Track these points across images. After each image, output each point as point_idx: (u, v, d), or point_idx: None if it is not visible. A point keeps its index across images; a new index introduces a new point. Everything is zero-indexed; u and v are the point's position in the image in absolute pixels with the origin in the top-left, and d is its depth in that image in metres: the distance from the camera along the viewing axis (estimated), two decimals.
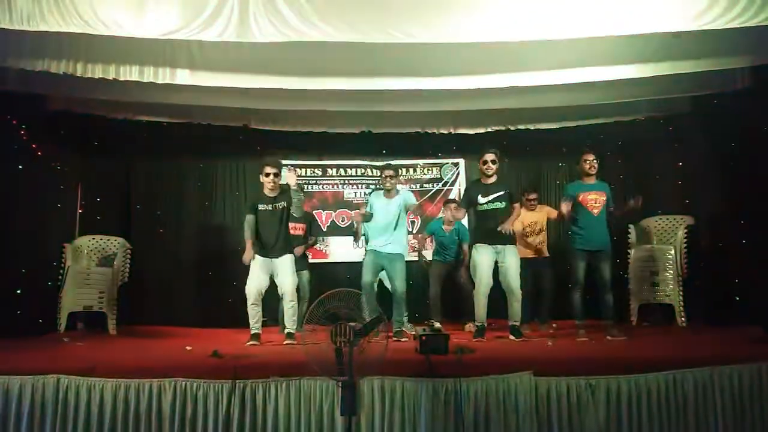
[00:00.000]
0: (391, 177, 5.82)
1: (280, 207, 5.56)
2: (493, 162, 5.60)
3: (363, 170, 8.25)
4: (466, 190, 6.01)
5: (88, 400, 3.77)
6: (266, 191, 5.57)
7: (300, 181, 8.03)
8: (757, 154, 5.77)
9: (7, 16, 4.43)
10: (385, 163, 6.18)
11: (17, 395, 3.77)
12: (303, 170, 8.14)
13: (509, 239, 5.55)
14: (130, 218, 7.63)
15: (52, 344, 5.46)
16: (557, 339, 5.54)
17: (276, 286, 5.56)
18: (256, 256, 5.48)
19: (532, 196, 6.54)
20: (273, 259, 5.49)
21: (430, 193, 8.21)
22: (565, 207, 5.60)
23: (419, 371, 3.86)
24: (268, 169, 5.53)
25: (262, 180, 5.58)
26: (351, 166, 8.24)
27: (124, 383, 3.80)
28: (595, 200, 5.63)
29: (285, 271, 5.50)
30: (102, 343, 5.67)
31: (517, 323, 5.57)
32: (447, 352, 4.25)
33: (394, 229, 5.83)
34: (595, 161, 5.70)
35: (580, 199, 5.63)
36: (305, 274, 6.57)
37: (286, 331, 5.54)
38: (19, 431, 3.74)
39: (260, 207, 5.55)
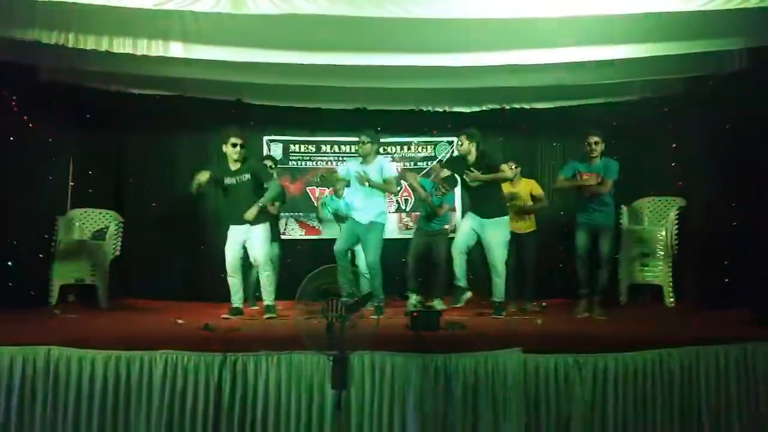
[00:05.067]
0: (363, 144, 5.83)
1: (245, 179, 5.49)
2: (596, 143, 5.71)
3: (356, 147, 8.19)
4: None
5: (79, 372, 3.80)
6: (230, 163, 5.51)
7: (293, 157, 8.06)
8: (752, 136, 5.77)
9: None
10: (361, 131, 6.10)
11: (8, 366, 3.80)
12: (296, 146, 8.11)
13: (498, 212, 5.62)
14: (122, 191, 7.59)
15: (44, 316, 5.47)
16: (546, 316, 5.60)
17: None
18: (231, 226, 5.46)
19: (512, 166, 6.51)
20: (247, 227, 5.44)
21: (424, 171, 8.19)
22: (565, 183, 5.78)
23: (410, 347, 3.90)
24: (234, 140, 5.44)
25: (226, 151, 5.49)
26: (344, 143, 8.18)
27: (114, 355, 3.83)
28: (585, 181, 5.70)
29: (257, 238, 5.44)
30: (93, 316, 5.69)
31: (498, 300, 5.63)
32: (438, 329, 4.29)
33: (371, 196, 5.78)
34: (596, 144, 5.71)
35: (576, 177, 5.76)
36: (275, 246, 6.54)
37: (264, 303, 5.52)
38: (10, 402, 3.77)
39: (227, 181, 5.50)
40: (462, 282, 5.70)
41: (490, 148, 6.59)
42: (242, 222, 5.42)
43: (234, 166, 5.51)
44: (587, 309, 5.68)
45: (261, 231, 5.49)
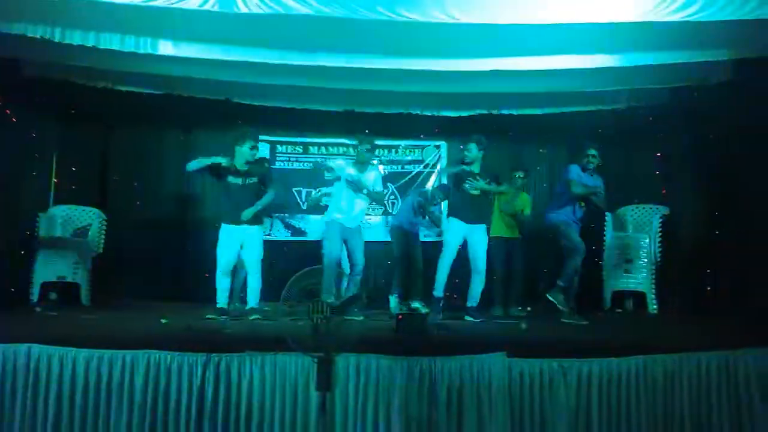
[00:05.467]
0: (363, 151, 5.84)
1: (251, 181, 5.51)
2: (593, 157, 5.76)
3: (344, 149, 8.18)
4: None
5: (60, 370, 3.73)
6: (240, 164, 5.50)
7: (280, 158, 8.02)
8: (735, 146, 5.85)
9: None
10: (360, 137, 6.12)
11: None
12: (284, 147, 8.08)
13: (485, 217, 5.74)
14: (106, 189, 7.52)
15: (25, 314, 5.39)
16: (530, 321, 5.62)
17: None
18: (223, 225, 5.45)
19: (520, 174, 6.64)
20: (244, 228, 5.43)
21: (410, 175, 8.20)
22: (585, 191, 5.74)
23: (395, 349, 3.89)
24: (252, 142, 5.50)
25: (240, 151, 5.48)
26: (332, 144, 8.18)
27: (96, 354, 3.76)
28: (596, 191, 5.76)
29: (253, 242, 5.46)
30: (75, 314, 5.62)
31: (475, 305, 5.70)
32: (423, 331, 4.29)
33: (358, 201, 5.80)
34: (593, 157, 5.76)
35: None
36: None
37: (249, 306, 5.51)
38: None
39: (231, 180, 5.48)
40: (441, 293, 5.77)
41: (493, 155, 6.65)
42: (238, 222, 5.41)
43: (243, 167, 5.50)
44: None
45: (257, 233, 5.51)
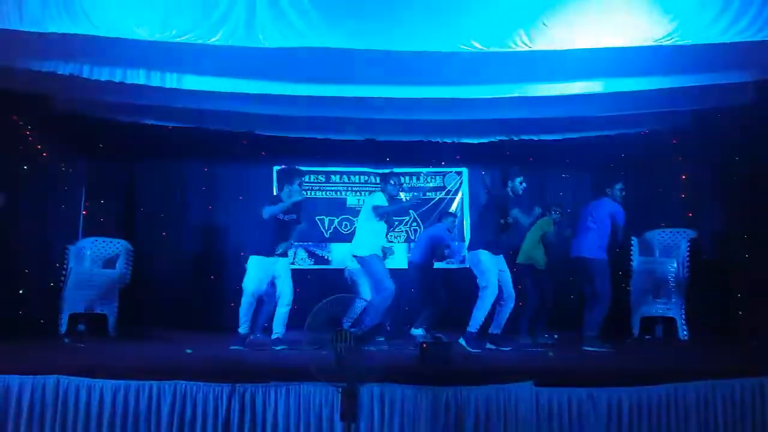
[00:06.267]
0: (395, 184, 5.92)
1: (292, 219, 5.64)
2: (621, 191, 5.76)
3: (366, 177, 8.24)
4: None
5: (88, 401, 3.78)
6: (287, 200, 5.57)
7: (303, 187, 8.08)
8: (760, 168, 5.77)
9: (17, 17, 4.45)
10: (390, 170, 6.19)
11: (17, 395, 3.77)
12: (306, 176, 8.14)
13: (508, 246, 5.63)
14: (133, 221, 7.64)
15: (53, 345, 5.46)
16: (557, 349, 5.54)
17: None
18: (253, 257, 5.51)
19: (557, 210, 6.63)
20: (273, 260, 5.51)
21: (432, 202, 8.20)
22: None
23: (420, 379, 3.86)
24: (299, 179, 5.65)
25: (291, 188, 5.60)
26: (354, 173, 8.24)
27: (123, 384, 3.80)
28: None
29: (286, 273, 5.57)
30: (102, 345, 5.67)
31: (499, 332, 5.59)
32: (448, 361, 4.25)
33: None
34: (622, 191, 5.74)
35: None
36: None
37: (274, 336, 5.52)
38: (18, 431, 3.74)
39: (280, 216, 5.56)
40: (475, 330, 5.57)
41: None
42: (268, 254, 5.49)
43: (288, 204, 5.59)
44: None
45: (287, 265, 5.63)
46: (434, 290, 6.55)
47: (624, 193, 5.75)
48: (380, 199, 5.90)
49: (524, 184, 5.65)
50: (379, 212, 5.81)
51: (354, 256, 5.94)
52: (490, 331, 5.58)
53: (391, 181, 5.95)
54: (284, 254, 5.62)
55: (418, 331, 6.13)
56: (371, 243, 5.83)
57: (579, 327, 5.64)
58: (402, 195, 6.05)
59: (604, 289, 5.47)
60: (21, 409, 3.75)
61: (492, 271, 5.41)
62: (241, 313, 5.48)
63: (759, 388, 3.96)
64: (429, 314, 6.38)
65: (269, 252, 5.51)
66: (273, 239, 5.54)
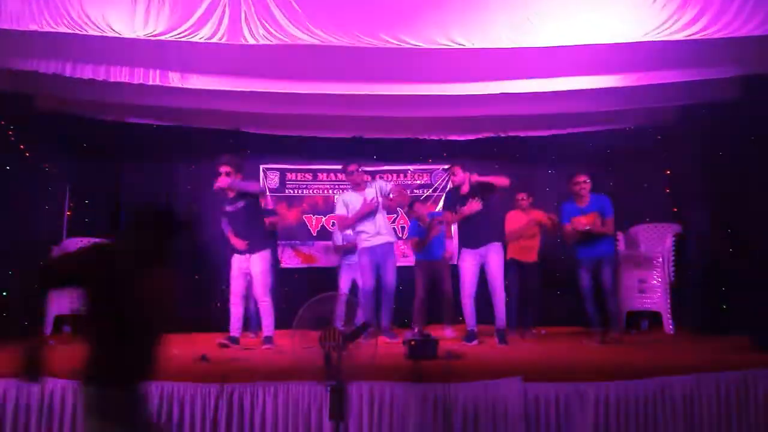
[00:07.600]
0: (356, 171, 6.03)
1: (240, 207, 5.44)
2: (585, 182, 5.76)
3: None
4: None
5: (74, 403, 3.73)
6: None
7: (290, 185, 8.07)
8: (745, 163, 5.82)
9: None
10: (344, 164, 6.25)
11: (2, 397, 3.73)
12: (293, 174, 8.12)
13: (494, 237, 5.65)
14: (118, 221, 7.56)
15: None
16: (545, 344, 5.57)
17: None
18: (234, 254, 5.46)
19: (519, 196, 6.57)
20: (248, 256, 5.41)
21: (419, 198, 8.19)
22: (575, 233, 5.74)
23: (408, 376, 3.85)
24: (227, 168, 5.37)
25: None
26: (341, 171, 8.20)
27: None
28: (583, 225, 5.70)
29: (256, 267, 5.37)
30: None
31: (502, 327, 5.59)
32: (436, 358, 4.25)
33: (375, 216, 5.92)
34: (585, 183, 5.74)
35: (572, 224, 5.74)
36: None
37: (264, 335, 5.46)
38: None
39: (228, 208, 5.49)
40: (474, 327, 5.63)
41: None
42: (241, 252, 5.42)
43: (232, 193, 5.49)
44: (604, 341, 5.62)
45: (259, 260, 5.42)
46: (417, 286, 6.51)
47: (586, 185, 5.77)
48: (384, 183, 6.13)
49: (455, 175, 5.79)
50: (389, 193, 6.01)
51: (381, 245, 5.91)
52: (496, 327, 5.60)
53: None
54: (251, 250, 5.40)
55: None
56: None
57: (593, 323, 5.76)
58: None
59: (612, 282, 5.69)
60: (5, 411, 3.71)
61: (466, 269, 5.60)
62: (231, 314, 5.45)
63: (743, 381, 3.99)
64: (415, 310, 6.36)
65: (239, 250, 5.42)
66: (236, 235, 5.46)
